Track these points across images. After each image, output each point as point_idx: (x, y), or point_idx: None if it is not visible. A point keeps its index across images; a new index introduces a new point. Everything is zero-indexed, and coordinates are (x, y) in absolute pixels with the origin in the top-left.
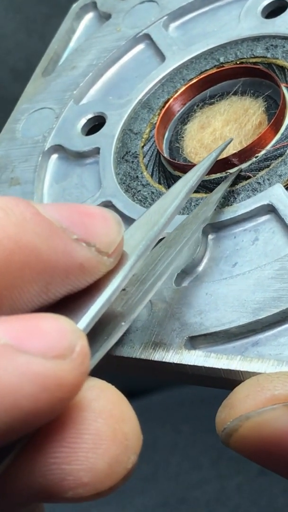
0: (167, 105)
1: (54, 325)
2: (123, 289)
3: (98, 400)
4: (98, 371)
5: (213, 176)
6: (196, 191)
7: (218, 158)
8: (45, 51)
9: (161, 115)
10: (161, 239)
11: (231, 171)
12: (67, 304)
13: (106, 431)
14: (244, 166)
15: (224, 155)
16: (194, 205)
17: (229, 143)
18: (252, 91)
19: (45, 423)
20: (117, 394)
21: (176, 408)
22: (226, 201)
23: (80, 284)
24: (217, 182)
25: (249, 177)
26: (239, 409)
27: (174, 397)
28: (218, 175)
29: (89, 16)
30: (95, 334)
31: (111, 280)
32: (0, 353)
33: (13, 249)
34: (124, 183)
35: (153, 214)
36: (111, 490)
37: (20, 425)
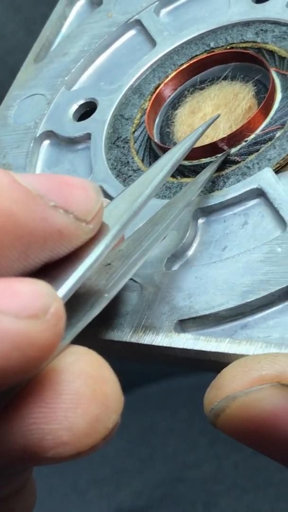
0: (157, 91)
1: (29, 287)
2: (108, 264)
3: (77, 363)
4: None
5: (203, 160)
6: (185, 176)
7: (208, 143)
8: None
9: (151, 100)
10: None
11: (219, 155)
12: (49, 271)
13: (85, 391)
14: (233, 150)
15: (214, 139)
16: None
17: (215, 119)
18: (242, 76)
19: (19, 382)
20: (96, 357)
21: (173, 395)
22: (216, 185)
23: (60, 251)
24: (206, 167)
25: (238, 162)
26: (226, 389)
27: (172, 385)
28: (208, 159)
29: (81, 2)
30: (78, 305)
31: (92, 248)
32: None
33: None
34: (115, 168)
35: (138, 186)
36: (92, 450)
37: None
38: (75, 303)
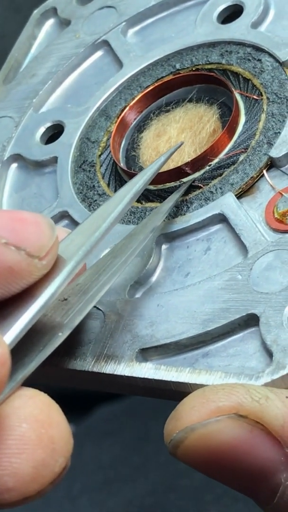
0: (122, 113)
1: None
2: (65, 299)
3: (25, 407)
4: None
5: (168, 185)
6: (150, 200)
7: (172, 168)
8: None
9: (117, 123)
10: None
11: (184, 180)
12: (1, 310)
13: (30, 436)
14: (197, 175)
15: (178, 163)
16: (147, 215)
17: (178, 147)
18: (207, 98)
19: None
20: (45, 400)
21: (168, 402)
22: (179, 210)
23: (12, 288)
24: (171, 191)
25: (201, 187)
26: (185, 420)
27: None
28: (172, 184)
29: (50, 22)
30: (31, 343)
31: (47, 285)
32: None
33: None
34: (81, 192)
35: (96, 219)
36: (40, 494)
37: None
38: (28, 341)
